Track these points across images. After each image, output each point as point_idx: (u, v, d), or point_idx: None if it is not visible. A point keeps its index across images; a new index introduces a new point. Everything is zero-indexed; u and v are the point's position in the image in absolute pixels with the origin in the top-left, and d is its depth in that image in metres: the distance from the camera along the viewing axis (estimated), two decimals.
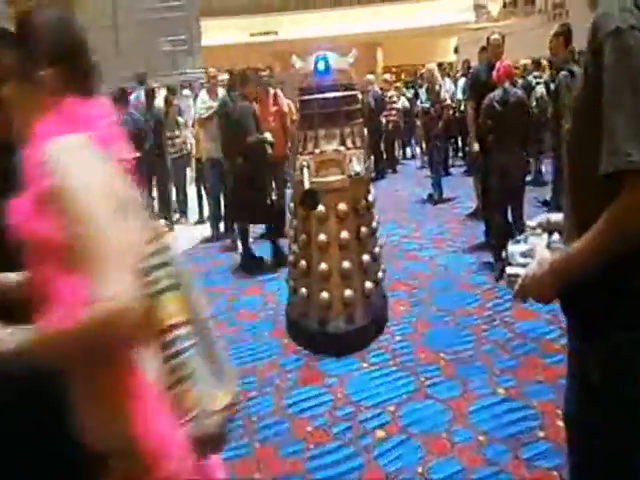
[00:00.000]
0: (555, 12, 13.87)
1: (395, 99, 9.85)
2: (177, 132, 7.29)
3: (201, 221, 7.34)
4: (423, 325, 3.74)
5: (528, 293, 1.24)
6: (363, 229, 3.54)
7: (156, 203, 6.85)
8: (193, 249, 6.16)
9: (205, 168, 6.40)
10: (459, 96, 8.58)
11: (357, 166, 3.40)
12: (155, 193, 6.90)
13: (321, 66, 3.23)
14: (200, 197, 7.42)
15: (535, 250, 1.29)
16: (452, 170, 9.31)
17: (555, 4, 14.22)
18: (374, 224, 3.71)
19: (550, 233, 1.35)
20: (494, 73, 4.57)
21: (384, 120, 9.60)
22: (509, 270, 1.30)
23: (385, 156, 9.98)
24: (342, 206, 3.44)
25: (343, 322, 3.46)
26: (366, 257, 3.53)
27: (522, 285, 1.24)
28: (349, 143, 3.50)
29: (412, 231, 6.03)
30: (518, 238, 1.39)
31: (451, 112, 7.48)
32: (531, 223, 1.41)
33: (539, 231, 1.37)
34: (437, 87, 7.03)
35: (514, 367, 3.12)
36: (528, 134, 4.60)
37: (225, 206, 6.24)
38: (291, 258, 3.74)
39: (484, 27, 17.58)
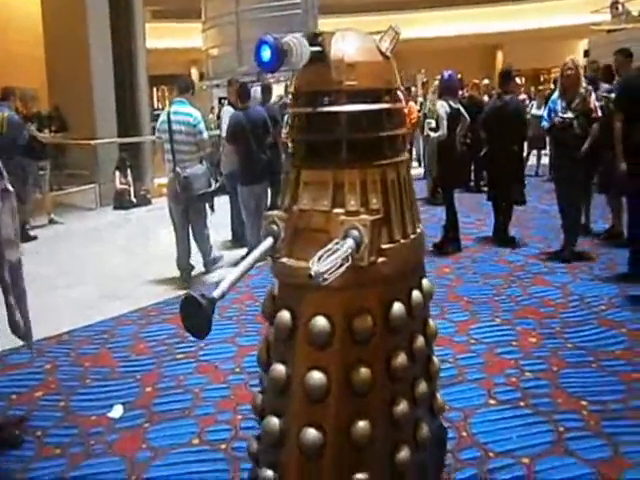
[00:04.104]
0: None
1: (528, 103, 8.98)
2: None
3: None
4: (558, 363, 3.31)
5: None
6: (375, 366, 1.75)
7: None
8: None
9: None
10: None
11: (323, 264, 1.53)
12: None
13: (266, 55, 1.66)
14: None
15: None
16: None
17: None
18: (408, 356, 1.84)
19: None
20: None
21: None
22: None
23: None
24: (319, 322, 1.74)
25: None
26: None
27: None
28: (352, 202, 1.76)
29: (539, 252, 5.49)
30: None
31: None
32: None
33: None
34: (582, 91, 4.97)
35: None
36: None
37: None
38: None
39: (622, 28, 16.06)
